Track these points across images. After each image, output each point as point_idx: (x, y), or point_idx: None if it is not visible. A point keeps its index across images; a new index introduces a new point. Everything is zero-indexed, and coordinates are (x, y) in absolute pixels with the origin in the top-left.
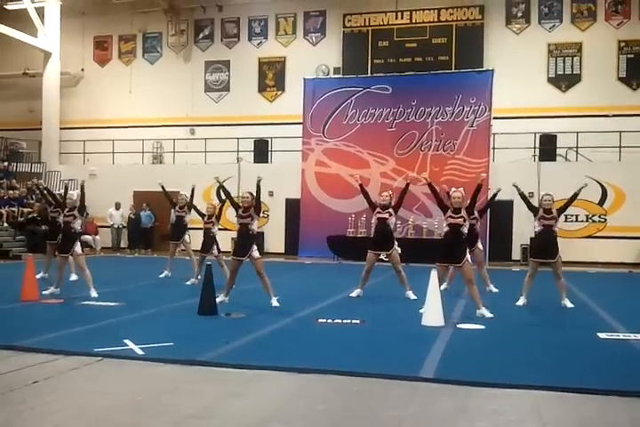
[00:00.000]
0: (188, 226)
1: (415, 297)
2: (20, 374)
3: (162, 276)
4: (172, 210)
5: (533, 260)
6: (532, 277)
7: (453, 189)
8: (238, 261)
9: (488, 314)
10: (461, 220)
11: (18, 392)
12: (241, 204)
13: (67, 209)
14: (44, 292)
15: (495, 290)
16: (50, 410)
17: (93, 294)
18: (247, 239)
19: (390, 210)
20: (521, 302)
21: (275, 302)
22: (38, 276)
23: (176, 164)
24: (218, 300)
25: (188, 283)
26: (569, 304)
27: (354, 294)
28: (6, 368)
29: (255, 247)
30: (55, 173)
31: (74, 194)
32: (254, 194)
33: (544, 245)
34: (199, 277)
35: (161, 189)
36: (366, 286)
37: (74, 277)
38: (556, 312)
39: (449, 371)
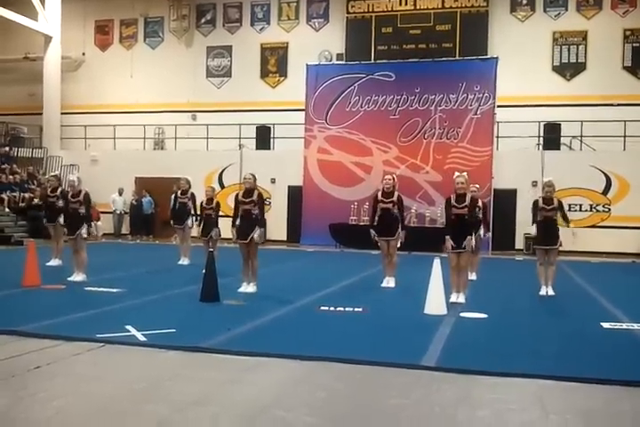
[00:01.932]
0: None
1: (392, 285)
2: (21, 359)
3: (180, 263)
4: (173, 196)
5: (537, 247)
6: (543, 265)
7: (457, 174)
8: (243, 245)
9: (460, 300)
10: (466, 209)
11: (19, 378)
12: (243, 185)
13: (71, 194)
14: (47, 263)
15: (474, 278)
16: (51, 396)
17: (79, 278)
18: (250, 222)
19: (394, 199)
20: (543, 291)
21: (248, 288)
22: (53, 263)
23: (177, 150)
24: (241, 290)
25: (180, 262)
26: (551, 292)
27: (384, 284)
28: (8, 354)
29: (257, 230)
30: (56, 159)
31: (75, 180)
32: (256, 177)
33: (545, 233)
34: (186, 257)
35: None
36: (368, 273)
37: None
38: (560, 302)
39: (451, 359)
